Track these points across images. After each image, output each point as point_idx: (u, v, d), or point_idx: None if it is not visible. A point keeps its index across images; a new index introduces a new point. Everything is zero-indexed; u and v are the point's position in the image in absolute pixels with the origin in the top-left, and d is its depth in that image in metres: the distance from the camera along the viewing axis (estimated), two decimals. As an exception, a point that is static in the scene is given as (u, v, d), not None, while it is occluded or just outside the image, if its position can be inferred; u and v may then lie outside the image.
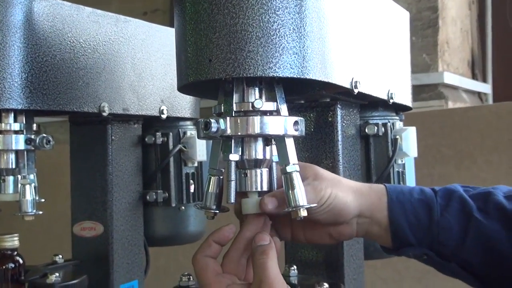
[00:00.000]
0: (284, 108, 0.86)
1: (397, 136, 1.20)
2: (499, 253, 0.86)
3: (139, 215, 1.37)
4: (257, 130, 0.83)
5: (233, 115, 0.84)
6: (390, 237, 0.90)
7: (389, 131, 1.19)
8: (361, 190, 0.91)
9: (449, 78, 2.88)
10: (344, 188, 0.90)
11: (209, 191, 0.89)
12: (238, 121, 0.83)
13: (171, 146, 1.42)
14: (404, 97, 1.21)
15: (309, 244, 1.07)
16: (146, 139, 1.39)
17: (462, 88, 3.15)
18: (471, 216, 0.88)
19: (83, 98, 1.14)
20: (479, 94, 3.51)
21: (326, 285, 0.84)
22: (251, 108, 0.84)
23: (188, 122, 1.48)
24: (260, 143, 0.87)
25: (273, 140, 0.87)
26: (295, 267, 0.97)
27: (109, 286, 1.29)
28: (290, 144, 0.85)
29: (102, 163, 1.29)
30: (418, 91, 2.78)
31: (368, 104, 1.18)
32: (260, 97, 0.86)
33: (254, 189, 0.87)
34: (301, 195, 0.84)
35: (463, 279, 0.91)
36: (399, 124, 1.25)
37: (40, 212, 1.11)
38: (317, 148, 1.07)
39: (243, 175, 0.87)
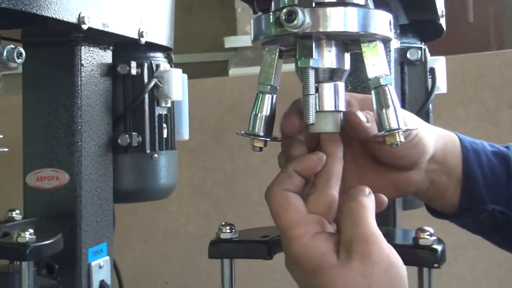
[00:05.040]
0: (371, 4, 0.66)
1: (433, 66, 1.03)
2: None
3: (109, 163, 1.11)
4: (348, 27, 0.62)
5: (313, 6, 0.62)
6: (459, 190, 0.75)
7: (428, 59, 1.02)
8: (434, 129, 0.77)
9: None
10: (421, 122, 0.74)
11: (258, 113, 0.67)
12: (324, 13, 0.61)
13: (145, 80, 1.17)
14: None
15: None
16: (119, 69, 1.12)
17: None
18: None
19: (61, 4, 0.87)
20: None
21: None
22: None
23: (159, 54, 1.22)
24: (340, 48, 0.66)
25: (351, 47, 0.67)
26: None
27: (76, 249, 1.03)
28: (381, 50, 0.65)
29: (69, 95, 1.02)
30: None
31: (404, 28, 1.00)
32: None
33: (328, 108, 0.66)
34: (400, 115, 0.64)
35: None
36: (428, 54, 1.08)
37: (6, 149, 0.84)
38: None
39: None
